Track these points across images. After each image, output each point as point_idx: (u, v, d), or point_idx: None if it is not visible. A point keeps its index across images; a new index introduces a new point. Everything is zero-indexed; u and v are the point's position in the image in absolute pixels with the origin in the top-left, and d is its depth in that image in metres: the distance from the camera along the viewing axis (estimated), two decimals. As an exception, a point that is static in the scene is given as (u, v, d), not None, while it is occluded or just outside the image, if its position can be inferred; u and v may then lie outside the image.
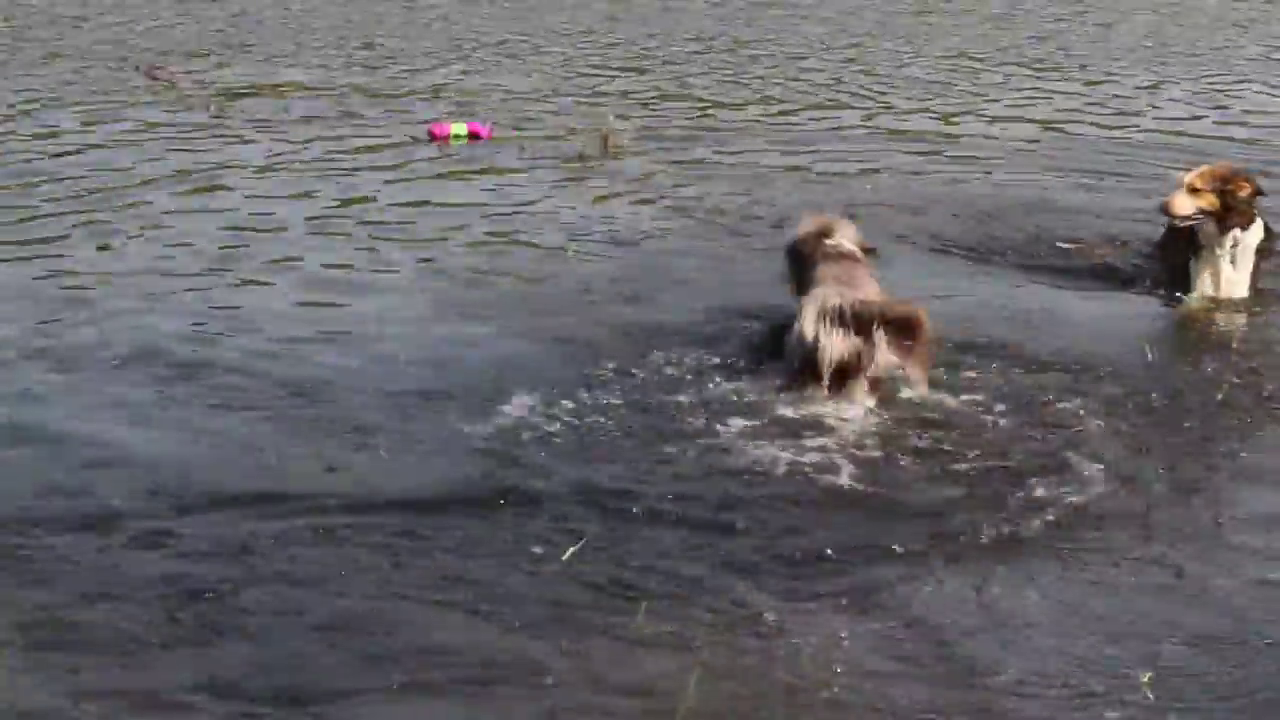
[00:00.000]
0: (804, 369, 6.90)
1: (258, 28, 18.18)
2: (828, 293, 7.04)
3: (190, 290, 8.50)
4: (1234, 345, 8.11)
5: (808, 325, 6.91)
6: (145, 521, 5.72)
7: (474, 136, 12.57)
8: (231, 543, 5.56)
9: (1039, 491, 6.05)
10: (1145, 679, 4.80)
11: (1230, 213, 8.40)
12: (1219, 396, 7.14)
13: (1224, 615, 5.24)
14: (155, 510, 5.81)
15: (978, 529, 5.78)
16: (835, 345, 6.84)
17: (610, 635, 5.08)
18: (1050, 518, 5.86)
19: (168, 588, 5.24)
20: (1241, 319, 8.50)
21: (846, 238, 7.92)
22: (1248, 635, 5.11)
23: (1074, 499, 6.02)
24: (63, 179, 10.76)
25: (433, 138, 12.53)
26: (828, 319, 6.86)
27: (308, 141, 12.33)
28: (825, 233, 7.89)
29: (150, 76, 14.06)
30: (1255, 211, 8.49)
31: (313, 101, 13.84)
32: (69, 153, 11.65)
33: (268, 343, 7.66)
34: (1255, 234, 8.51)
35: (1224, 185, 8.38)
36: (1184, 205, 8.44)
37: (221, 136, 12.39)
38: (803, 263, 7.78)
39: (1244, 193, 8.37)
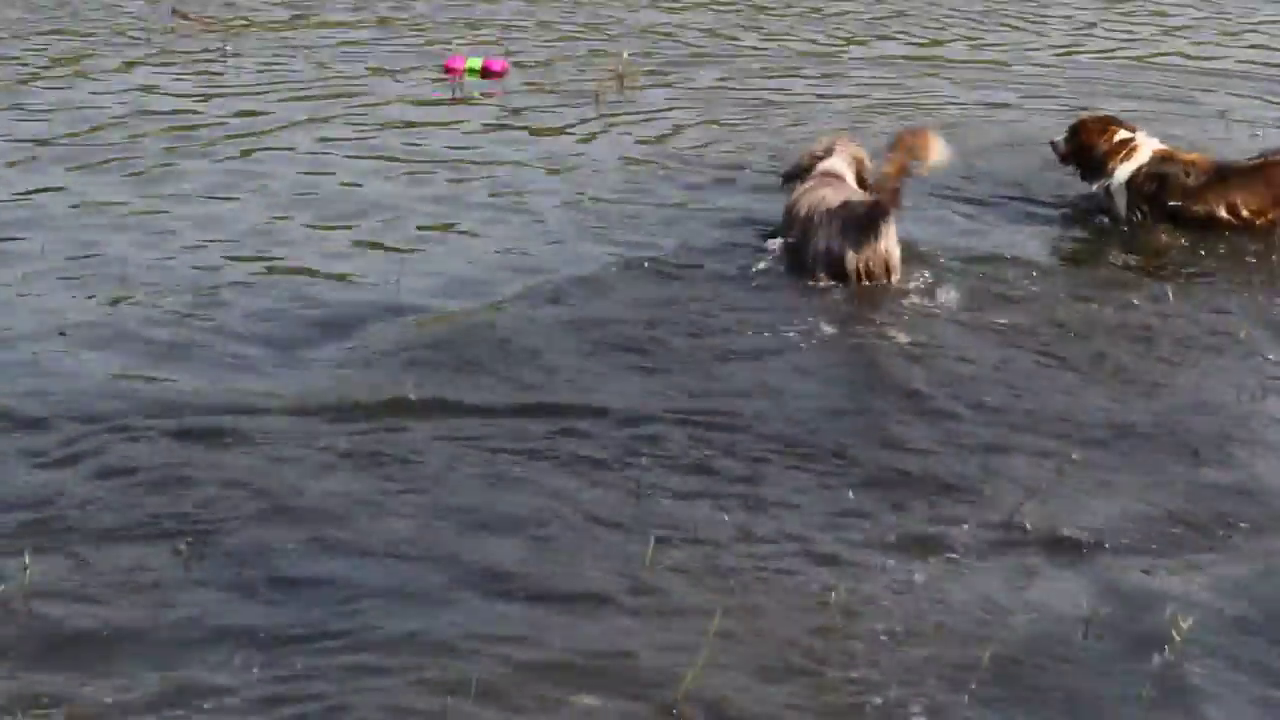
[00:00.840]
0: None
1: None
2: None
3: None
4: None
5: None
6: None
7: (487, 71, 12.48)
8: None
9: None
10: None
11: (1087, 163, 9.08)
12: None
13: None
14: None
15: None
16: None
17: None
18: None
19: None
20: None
21: (843, 158, 8.53)
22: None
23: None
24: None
25: (447, 71, 12.53)
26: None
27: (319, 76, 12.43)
28: (822, 155, 8.63)
29: (181, 16, 14.12)
30: (1120, 156, 8.95)
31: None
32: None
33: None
34: (1123, 174, 8.97)
35: (1078, 137, 9.13)
36: (1060, 146, 9.30)
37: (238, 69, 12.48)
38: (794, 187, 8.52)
39: (1097, 143, 9.03)
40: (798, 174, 8.72)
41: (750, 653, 5.00)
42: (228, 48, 13.04)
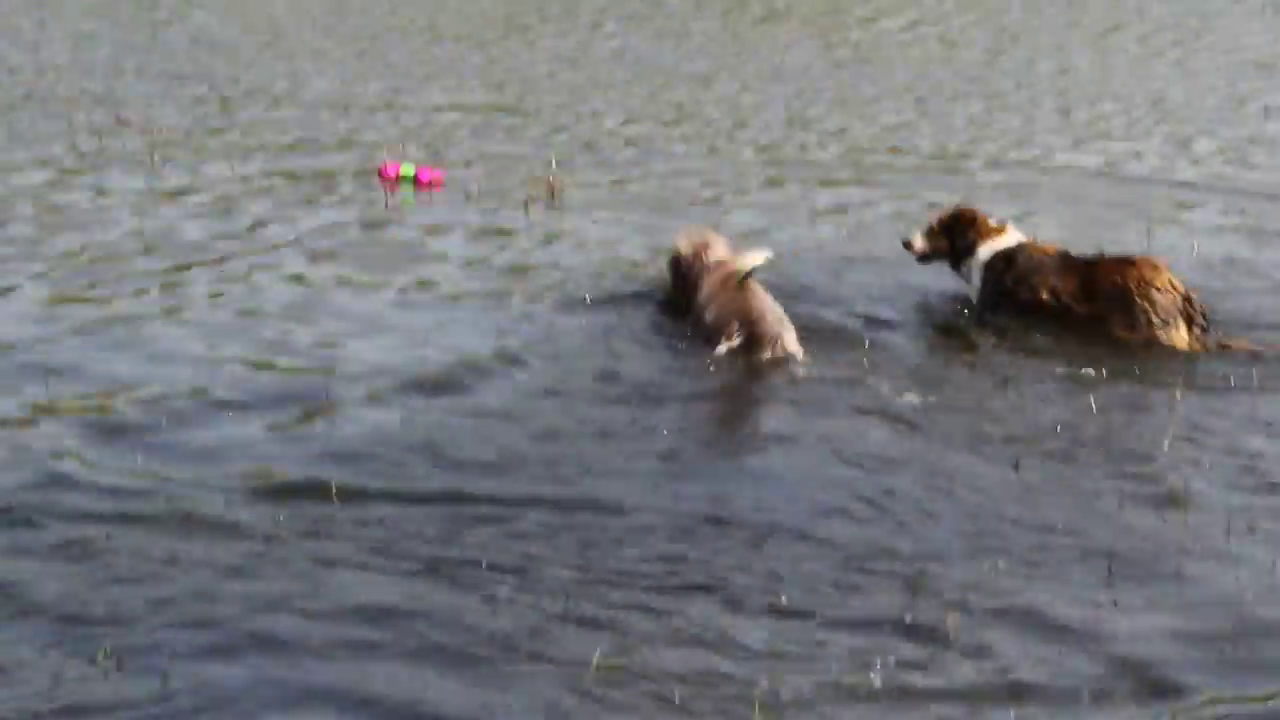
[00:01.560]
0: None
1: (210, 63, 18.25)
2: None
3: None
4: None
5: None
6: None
7: (418, 181, 12.49)
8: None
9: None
10: None
11: (955, 250, 9.61)
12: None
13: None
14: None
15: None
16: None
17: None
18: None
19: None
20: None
21: (721, 250, 9.28)
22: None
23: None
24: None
25: (381, 178, 12.55)
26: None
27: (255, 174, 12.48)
28: (705, 246, 9.28)
29: (120, 122, 14.15)
30: (979, 240, 9.52)
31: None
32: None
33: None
34: (985, 254, 9.54)
35: (952, 223, 9.66)
36: (919, 243, 9.82)
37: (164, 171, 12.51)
38: (687, 273, 9.18)
39: (967, 232, 9.58)
40: (687, 275, 9.19)
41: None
42: (155, 156, 13.06)
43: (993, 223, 9.69)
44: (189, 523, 6.54)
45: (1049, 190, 13.18)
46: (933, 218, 9.96)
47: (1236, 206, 12.65)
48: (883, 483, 7.17)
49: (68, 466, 7.08)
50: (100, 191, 12.09)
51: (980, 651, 5.76)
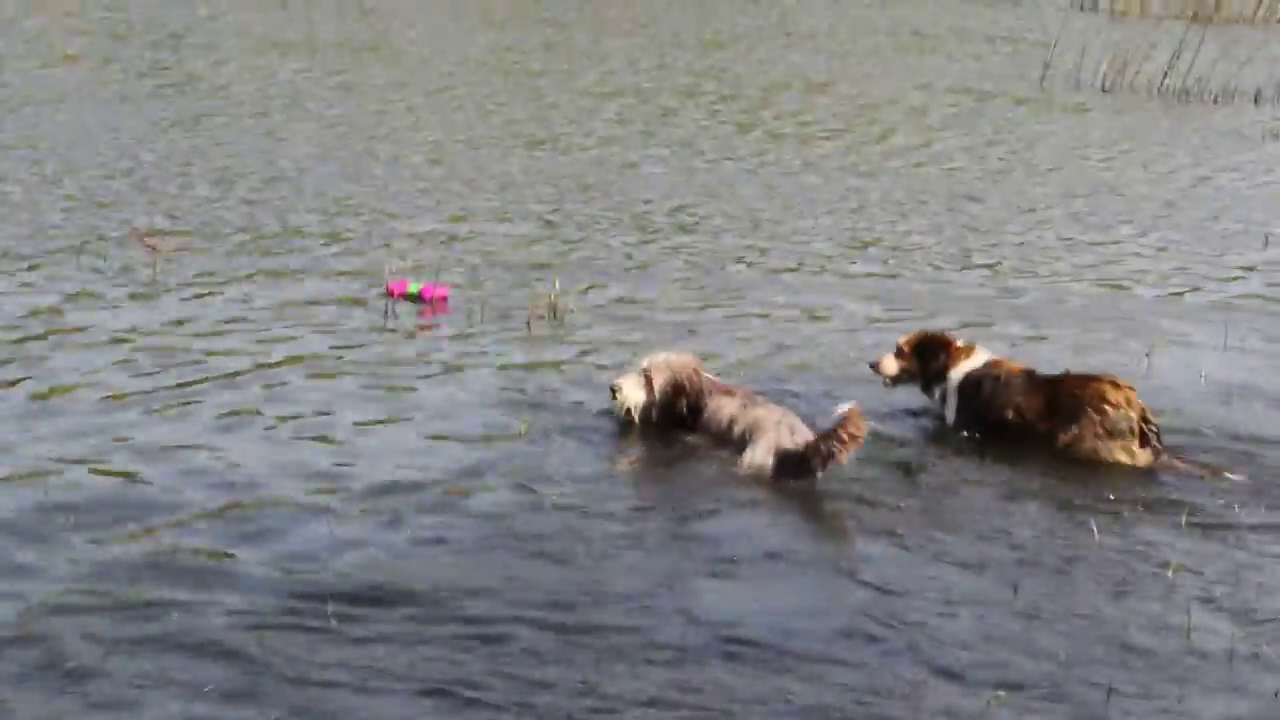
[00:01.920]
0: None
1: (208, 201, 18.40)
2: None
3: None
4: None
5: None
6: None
7: (421, 298, 12.59)
8: None
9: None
10: None
11: (926, 373, 9.78)
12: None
13: None
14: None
15: None
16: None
17: None
18: None
19: None
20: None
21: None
22: None
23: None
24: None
25: (390, 295, 12.66)
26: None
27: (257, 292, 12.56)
28: (698, 369, 9.42)
29: (143, 244, 14.22)
30: (950, 363, 9.68)
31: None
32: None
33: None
34: (957, 376, 9.71)
35: (921, 348, 9.84)
36: (890, 366, 9.96)
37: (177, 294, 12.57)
38: (693, 392, 9.25)
39: (939, 355, 9.75)
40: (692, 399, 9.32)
41: None
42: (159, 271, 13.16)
43: (960, 344, 9.89)
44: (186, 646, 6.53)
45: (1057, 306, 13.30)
46: (902, 341, 10.10)
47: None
48: (889, 605, 7.17)
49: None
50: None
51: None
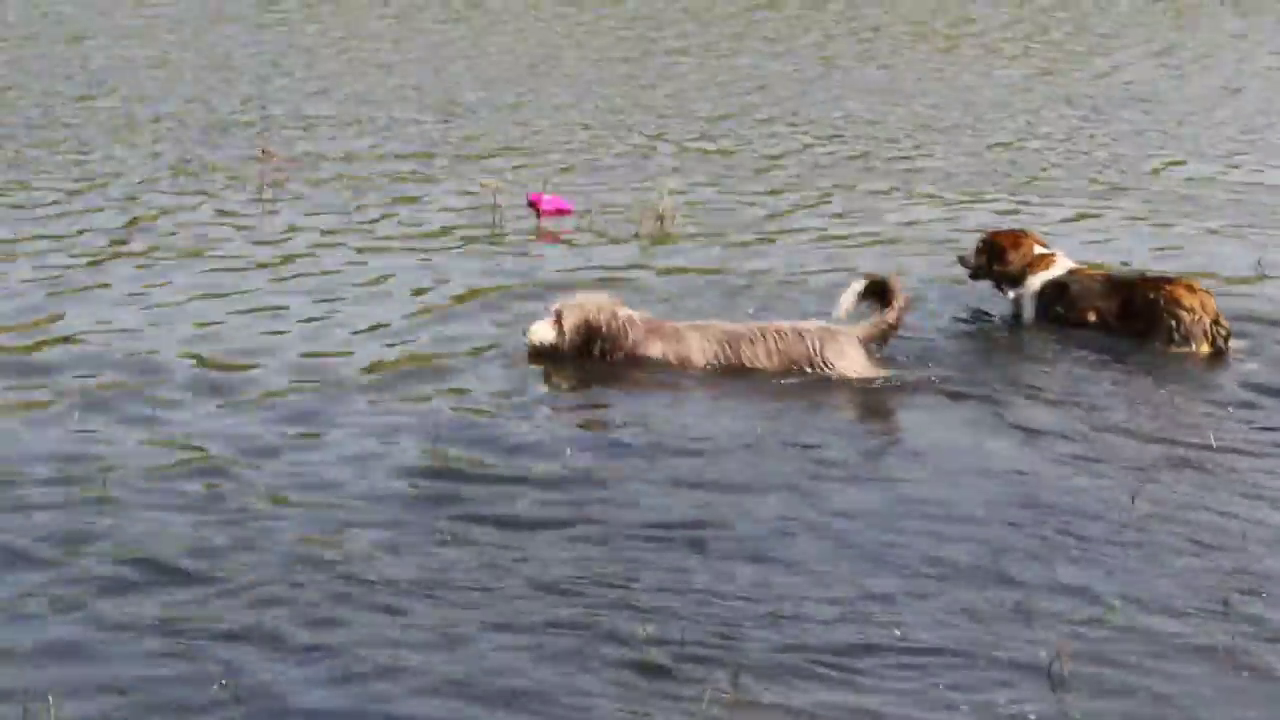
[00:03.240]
0: None
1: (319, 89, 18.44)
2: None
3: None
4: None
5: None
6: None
7: (559, 210, 12.76)
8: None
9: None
10: None
11: (995, 272, 10.10)
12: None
13: None
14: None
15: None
16: None
17: None
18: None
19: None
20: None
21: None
22: None
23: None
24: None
25: (531, 206, 12.77)
26: None
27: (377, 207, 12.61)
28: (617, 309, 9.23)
29: (265, 154, 14.45)
30: (1030, 268, 9.95)
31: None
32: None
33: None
34: (1034, 285, 9.96)
35: (988, 248, 10.17)
36: (969, 261, 10.31)
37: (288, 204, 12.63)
38: (609, 333, 9.09)
39: (1006, 256, 10.03)
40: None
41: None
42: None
43: (1039, 249, 10.12)
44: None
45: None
46: (981, 238, 10.41)
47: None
48: (1004, 511, 7.07)
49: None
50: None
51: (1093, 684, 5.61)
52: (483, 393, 8.58)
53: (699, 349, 9.05)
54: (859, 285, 9.22)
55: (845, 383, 8.84)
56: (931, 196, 13.70)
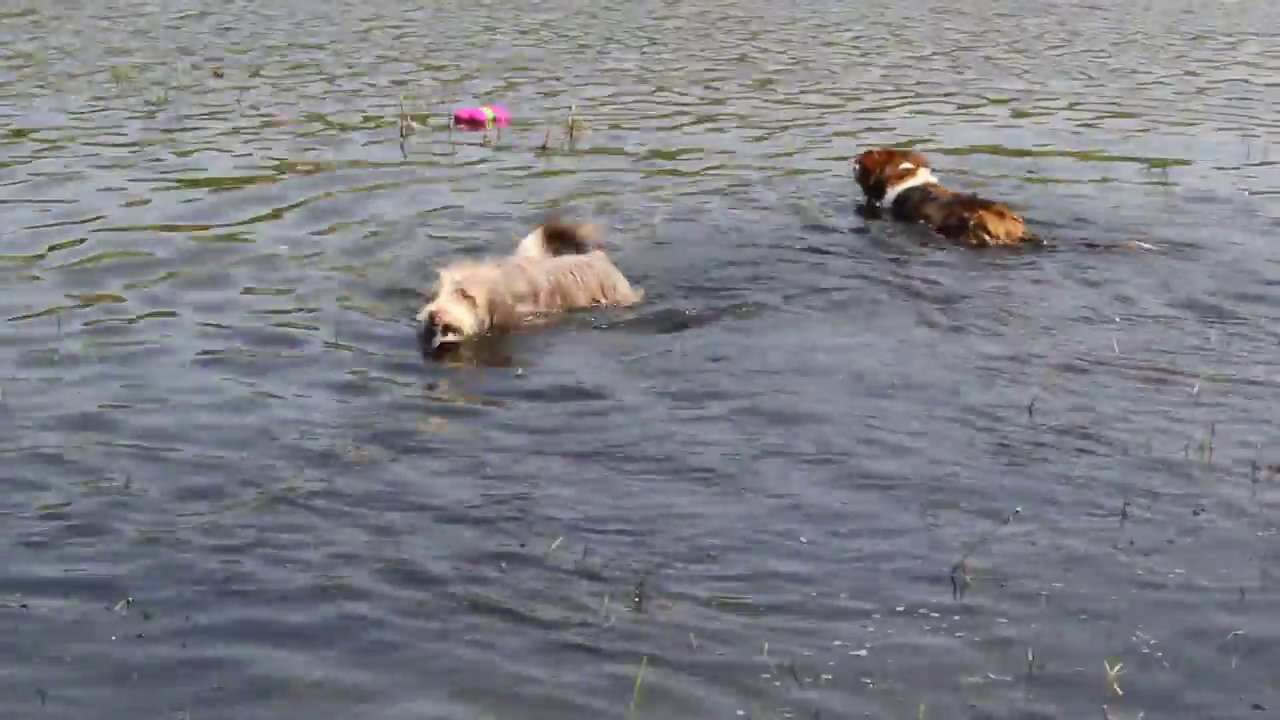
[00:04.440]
0: None
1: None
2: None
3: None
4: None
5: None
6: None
7: (497, 120, 13.13)
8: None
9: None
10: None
11: (867, 185, 11.42)
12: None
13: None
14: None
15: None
16: None
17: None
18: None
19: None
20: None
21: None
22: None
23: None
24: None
25: (459, 122, 13.04)
26: None
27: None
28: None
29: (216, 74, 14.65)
30: (889, 181, 11.21)
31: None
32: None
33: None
34: (890, 195, 11.24)
35: (860, 166, 11.49)
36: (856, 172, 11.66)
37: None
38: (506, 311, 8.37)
39: (870, 173, 11.32)
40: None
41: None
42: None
43: (904, 167, 11.32)
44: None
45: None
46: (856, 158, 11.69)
47: None
48: (901, 421, 7.14)
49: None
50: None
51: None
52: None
53: (547, 292, 8.58)
54: (537, 234, 9.02)
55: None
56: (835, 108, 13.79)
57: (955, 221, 10.66)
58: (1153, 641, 5.34)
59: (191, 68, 14.58)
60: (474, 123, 12.93)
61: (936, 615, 5.50)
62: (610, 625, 5.36)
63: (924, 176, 11.31)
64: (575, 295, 8.64)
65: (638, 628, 5.35)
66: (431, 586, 5.55)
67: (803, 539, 6.01)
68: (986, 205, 10.81)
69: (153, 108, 13.14)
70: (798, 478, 6.57)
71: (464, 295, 7.98)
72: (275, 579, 5.55)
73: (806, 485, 6.49)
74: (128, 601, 5.33)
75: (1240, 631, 5.40)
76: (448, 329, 7.93)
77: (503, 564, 5.73)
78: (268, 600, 5.43)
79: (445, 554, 5.77)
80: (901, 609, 5.53)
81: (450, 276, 8.04)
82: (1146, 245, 10.21)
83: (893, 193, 11.24)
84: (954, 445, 6.92)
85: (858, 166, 11.47)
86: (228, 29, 18.29)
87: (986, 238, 10.43)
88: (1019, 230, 10.55)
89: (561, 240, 8.91)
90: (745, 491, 6.43)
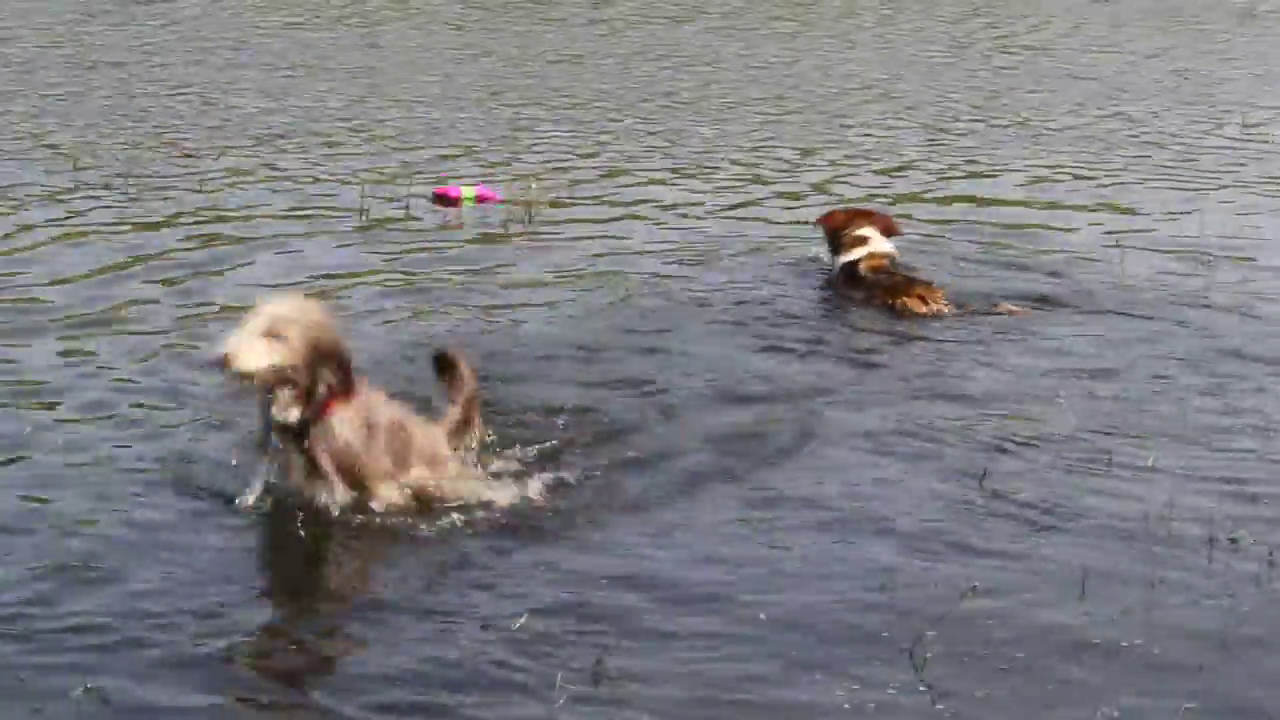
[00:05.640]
0: None
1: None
2: None
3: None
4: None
5: None
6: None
7: (481, 199, 12.74)
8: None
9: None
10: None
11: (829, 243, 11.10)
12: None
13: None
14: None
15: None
16: None
17: None
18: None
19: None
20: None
21: None
22: None
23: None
24: None
25: (438, 200, 12.73)
26: None
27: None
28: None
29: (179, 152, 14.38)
30: (844, 247, 10.88)
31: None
32: None
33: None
34: (839, 261, 10.94)
35: (822, 225, 11.20)
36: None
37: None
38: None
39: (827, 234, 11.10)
40: None
41: None
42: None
43: (858, 233, 10.95)
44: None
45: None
46: (816, 220, 11.44)
47: None
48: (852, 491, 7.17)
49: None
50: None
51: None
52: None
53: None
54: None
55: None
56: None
57: (880, 304, 10.50)
58: (1115, 715, 5.37)
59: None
60: (448, 200, 12.62)
61: (894, 689, 5.53)
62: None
63: (875, 245, 10.94)
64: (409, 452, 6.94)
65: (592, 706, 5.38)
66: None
67: (762, 615, 6.05)
68: (909, 289, 10.51)
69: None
70: (749, 557, 6.60)
71: (273, 335, 6.48)
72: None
73: (762, 562, 6.52)
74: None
75: (1192, 705, 5.45)
76: (240, 376, 6.47)
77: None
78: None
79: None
80: (858, 687, 5.56)
81: (268, 309, 6.58)
82: (1014, 308, 10.20)
83: (840, 260, 10.97)
84: (910, 517, 6.97)
85: (821, 226, 11.18)
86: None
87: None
88: (946, 311, 10.30)
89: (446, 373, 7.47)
90: (705, 557, 6.54)
